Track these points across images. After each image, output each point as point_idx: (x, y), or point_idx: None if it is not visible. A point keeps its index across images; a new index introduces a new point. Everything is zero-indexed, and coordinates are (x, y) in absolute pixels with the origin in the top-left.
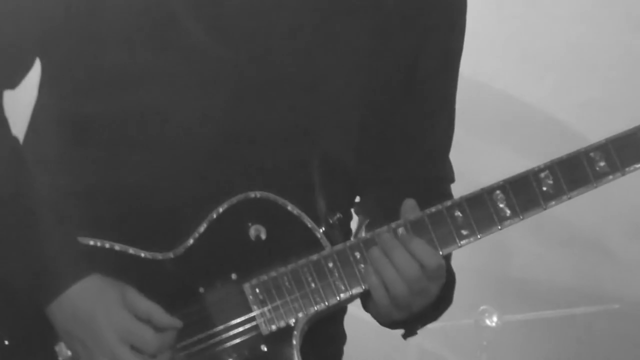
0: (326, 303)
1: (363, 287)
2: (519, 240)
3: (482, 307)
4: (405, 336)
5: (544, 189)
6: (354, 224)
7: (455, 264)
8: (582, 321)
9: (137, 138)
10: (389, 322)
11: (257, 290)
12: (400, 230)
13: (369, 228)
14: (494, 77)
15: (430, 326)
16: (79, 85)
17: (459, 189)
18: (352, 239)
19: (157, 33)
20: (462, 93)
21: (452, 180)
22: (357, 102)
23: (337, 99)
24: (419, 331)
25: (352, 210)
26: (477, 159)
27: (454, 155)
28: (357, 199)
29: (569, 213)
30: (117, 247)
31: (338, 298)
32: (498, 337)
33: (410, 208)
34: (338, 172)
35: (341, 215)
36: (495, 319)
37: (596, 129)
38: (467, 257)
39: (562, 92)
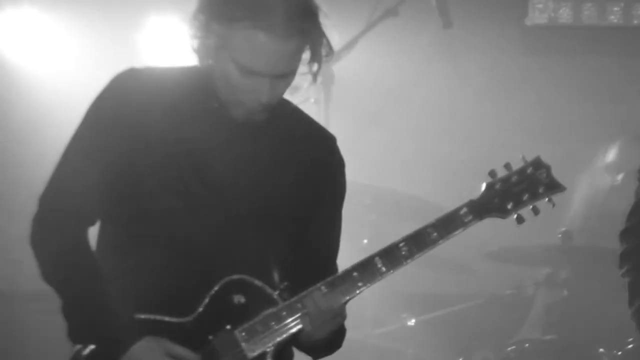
0: (284, 336)
1: (302, 325)
2: (412, 268)
3: (402, 315)
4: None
5: (403, 252)
6: None
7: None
8: (460, 313)
9: (163, 250)
10: (312, 349)
11: (243, 333)
12: (323, 288)
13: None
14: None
15: (377, 331)
16: (121, 222)
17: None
18: (294, 297)
19: (173, 186)
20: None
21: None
22: (287, 222)
23: (276, 219)
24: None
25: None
26: None
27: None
28: (285, 284)
29: (441, 247)
30: (155, 317)
31: (291, 332)
32: (416, 332)
33: None
34: (281, 261)
35: (287, 284)
36: (413, 320)
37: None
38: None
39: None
